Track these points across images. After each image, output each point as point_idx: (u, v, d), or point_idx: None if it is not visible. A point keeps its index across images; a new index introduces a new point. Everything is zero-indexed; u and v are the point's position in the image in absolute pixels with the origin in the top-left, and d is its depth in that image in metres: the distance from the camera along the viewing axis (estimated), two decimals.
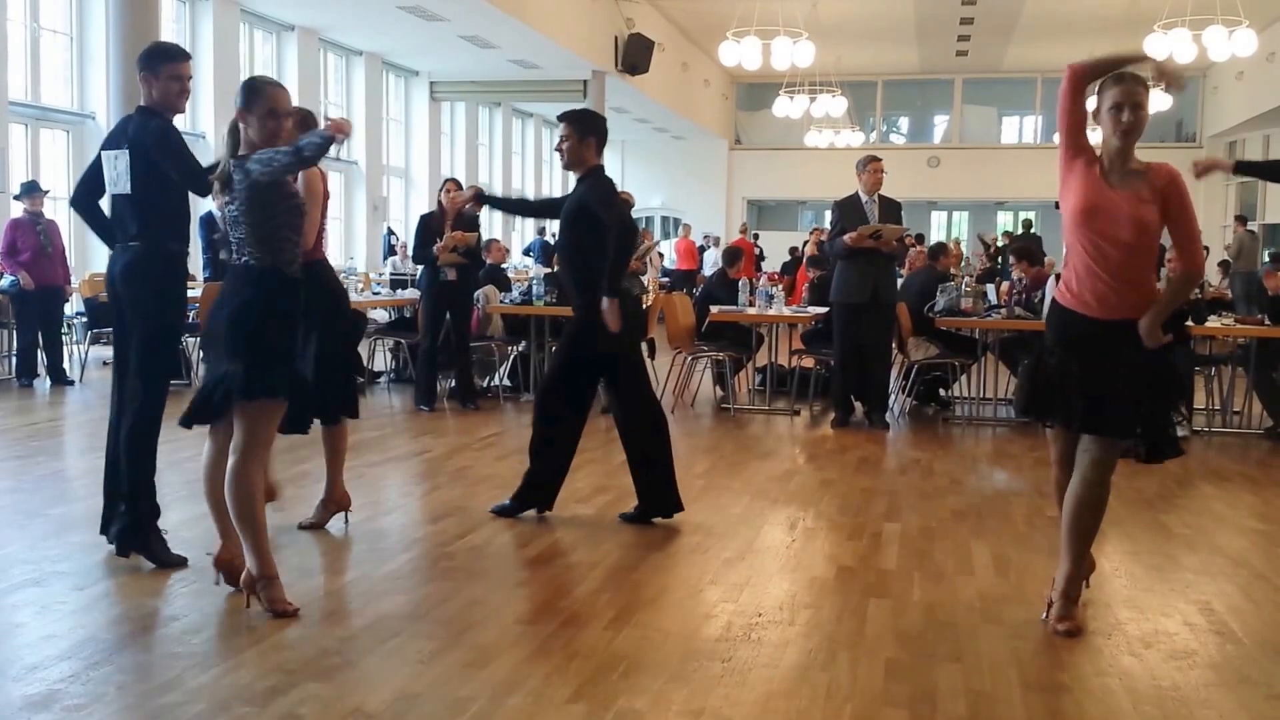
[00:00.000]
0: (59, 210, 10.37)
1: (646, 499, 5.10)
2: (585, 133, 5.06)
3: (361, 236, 16.96)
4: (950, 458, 7.10)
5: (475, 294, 8.74)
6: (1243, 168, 4.13)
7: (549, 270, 9.83)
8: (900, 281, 9.49)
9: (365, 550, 4.61)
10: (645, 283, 9.76)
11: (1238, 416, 8.41)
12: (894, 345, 8.55)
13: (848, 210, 8.04)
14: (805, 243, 18.82)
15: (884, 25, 20.39)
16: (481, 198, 6.67)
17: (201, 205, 4.92)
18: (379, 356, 10.45)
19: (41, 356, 9.42)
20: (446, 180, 8.54)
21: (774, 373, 9.46)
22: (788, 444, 7.57)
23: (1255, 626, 3.91)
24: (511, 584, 4.26)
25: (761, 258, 20.81)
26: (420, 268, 8.76)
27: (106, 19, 9.40)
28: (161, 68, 4.31)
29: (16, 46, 11.36)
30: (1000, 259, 20.63)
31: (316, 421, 4.77)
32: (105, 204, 4.48)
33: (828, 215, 11.33)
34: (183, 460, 5.76)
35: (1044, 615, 3.85)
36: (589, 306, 5.04)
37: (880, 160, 8.16)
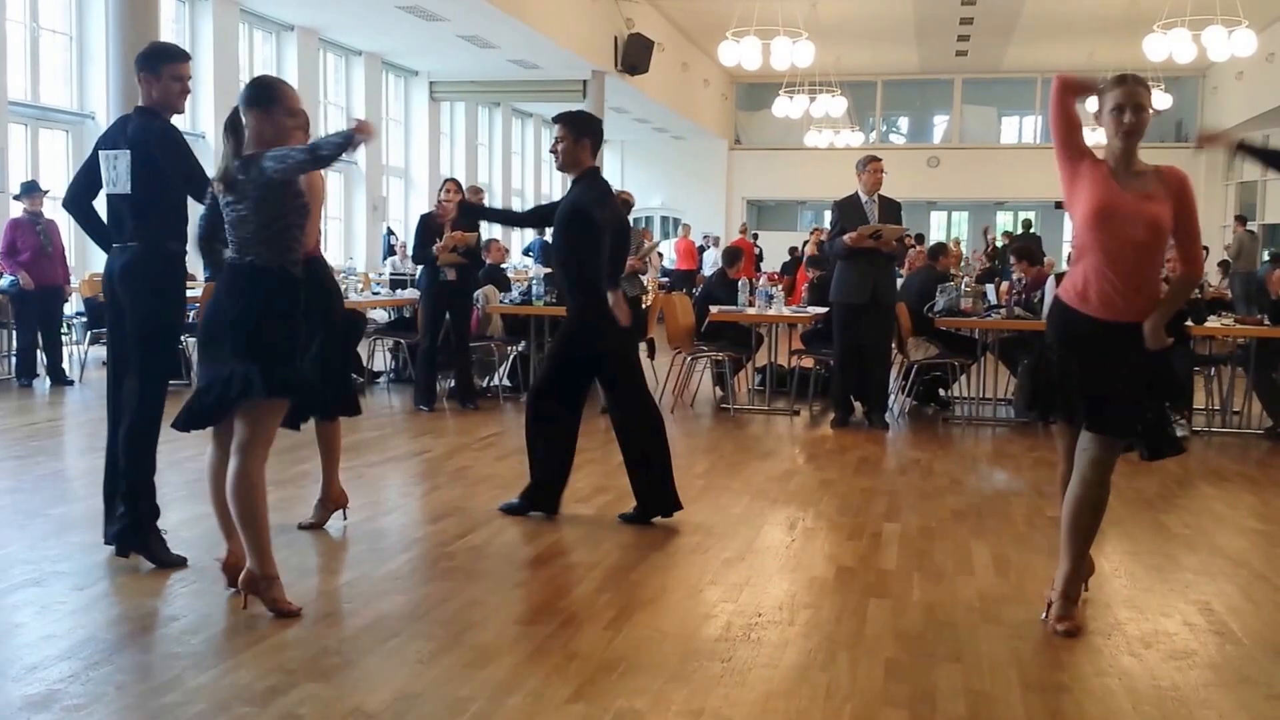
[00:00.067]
0: (59, 210, 10.36)
1: (645, 499, 5.11)
2: (580, 134, 5.07)
3: (361, 236, 16.96)
4: (950, 458, 7.11)
5: (475, 294, 8.74)
6: (1244, 147, 4.10)
7: (549, 270, 9.82)
8: (900, 281, 9.49)
9: (365, 550, 4.61)
10: (645, 283, 9.74)
11: (1237, 416, 8.42)
12: (893, 345, 8.55)
13: (847, 210, 8.04)
14: (805, 243, 18.82)
15: (884, 25, 20.39)
16: (465, 209, 6.67)
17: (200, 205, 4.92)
18: (378, 356, 10.45)
19: (41, 356, 9.43)
20: (446, 180, 8.54)
21: (774, 373, 9.46)
22: (787, 444, 7.58)
23: (1255, 627, 3.91)
24: (511, 584, 4.26)
25: (761, 258, 20.81)
26: (420, 268, 8.76)
27: (106, 19, 9.40)
28: (163, 68, 4.30)
29: (16, 46, 11.36)
30: (999, 259, 20.65)
31: (312, 420, 4.80)
32: (99, 204, 4.48)
33: (827, 215, 11.33)
34: (183, 460, 5.76)
35: (1043, 615, 3.85)
36: (584, 307, 5.05)
37: (880, 160, 8.16)
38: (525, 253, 19.44)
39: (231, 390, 3.65)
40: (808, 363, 9.17)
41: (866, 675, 3.35)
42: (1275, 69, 18.56)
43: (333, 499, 4.93)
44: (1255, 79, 19.75)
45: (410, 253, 9.45)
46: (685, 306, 9.29)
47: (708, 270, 17.09)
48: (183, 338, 7.72)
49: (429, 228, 8.26)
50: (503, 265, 10.07)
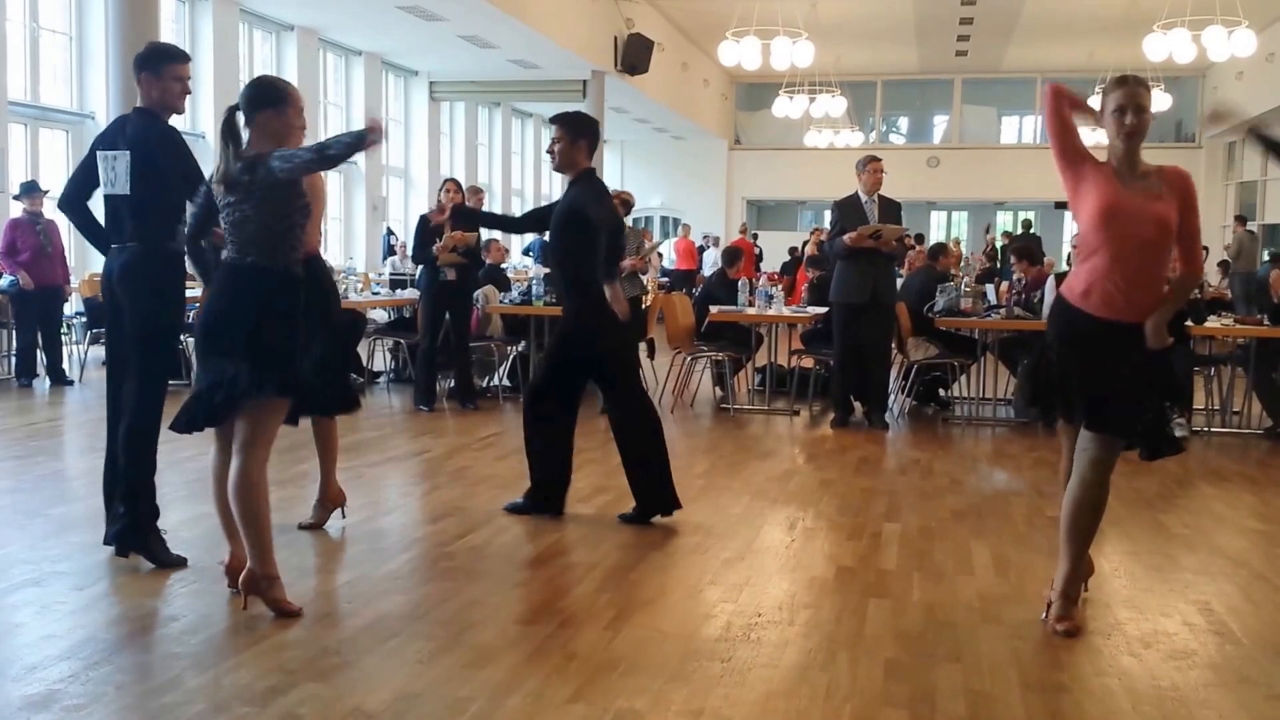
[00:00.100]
0: (58, 210, 10.36)
1: (644, 499, 5.11)
2: (577, 135, 5.07)
3: (361, 236, 16.96)
4: (950, 458, 7.11)
5: (475, 294, 8.74)
6: (1256, 133, 4.08)
7: (548, 270, 9.82)
8: (900, 281, 9.49)
9: (365, 550, 4.61)
10: (645, 283, 9.74)
11: (1237, 416, 8.42)
12: (893, 345, 8.55)
13: (847, 210, 8.04)
14: (805, 243, 18.82)
15: (883, 25, 20.39)
16: (459, 213, 6.67)
17: None
18: (378, 356, 10.45)
19: (41, 356, 9.43)
20: (446, 180, 8.54)
21: (773, 373, 9.46)
22: (787, 444, 7.58)
23: (1254, 627, 3.91)
24: (511, 584, 4.26)
25: (761, 258, 20.81)
26: (420, 268, 8.76)
27: (106, 19, 9.40)
28: (165, 68, 4.31)
29: (16, 46, 11.36)
30: (999, 259, 20.64)
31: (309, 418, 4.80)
32: (94, 205, 4.46)
33: (827, 215, 11.32)
34: (183, 460, 5.76)
35: (1043, 615, 3.85)
36: (581, 308, 5.06)
37: (880, 160, 8.16)
38: (525, 253, 19.45)
39: (233, 392, 3.65)
40: (808, 363, 9.17)
41: (866, 675, 3.35)
42: (1275, 69, 18.57)
43: (331, 498, 4.93)
44: (1255, 79, 19.75)
45: (410, 253, 9.45)
46: (685, 306, 9.29)
47: (707, 270, 17.09)
48: (182, 337, 7.74)
49: (429, 228, 8.26)
50: (502, 265, 10.07)
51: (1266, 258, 17.95)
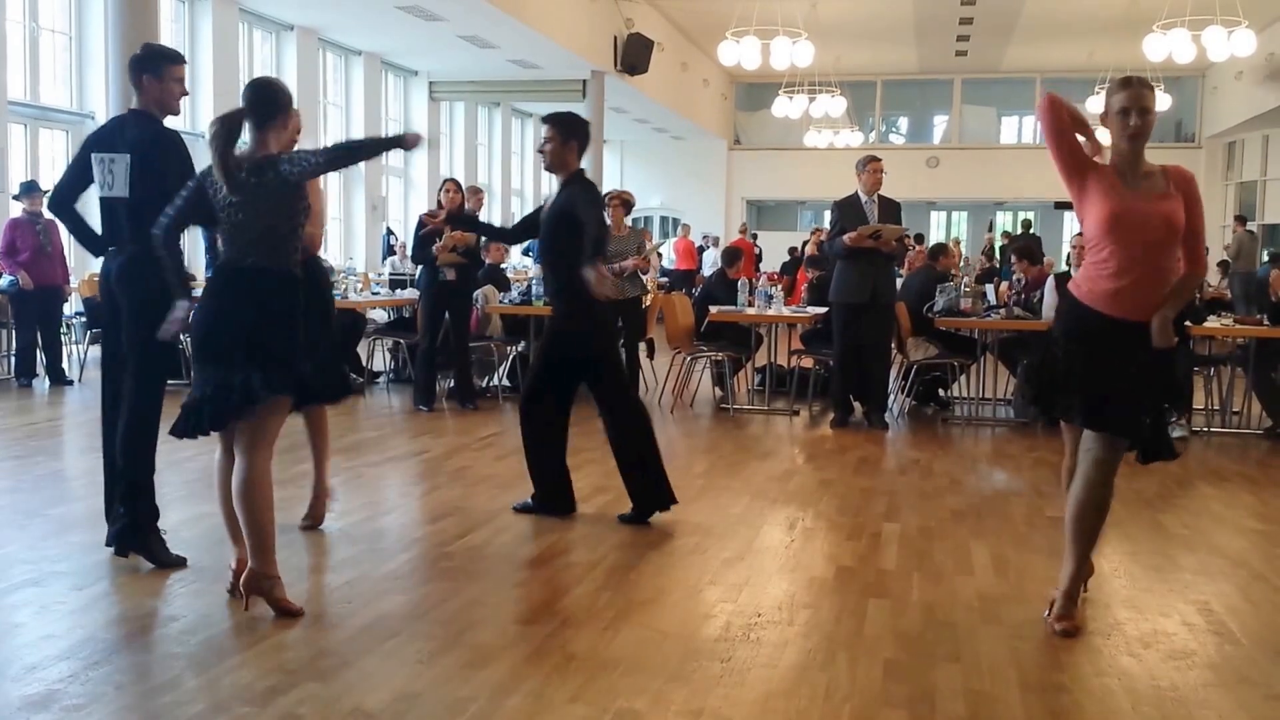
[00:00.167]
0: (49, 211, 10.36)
1: (642, 499, 5.12)
2: (569, 136, 5.08)
3: (360, 236, 16.96)
4: (949, 458, 7.11)
5: (474, 294, 8.74)
6: None
7: None
8: (900, 282, 9.49)
9: (365, 550, 4.61)
10: (645, 283, 9.74)
11: (1237, 417, 8.42)
12: (893, 345, 8.55)
13: (847, 210, 8.04)
14: (805, 243, 18.81)
15: (883, 25, 20.39)
16: (453, 219, 6.69)
17: None
18: (378, 356, 10.45)
19: (40, 356, 9.43)
20: (446, 180, 8.54)
21: (773, 373, 9.46)
22: (787, 444, 7.58)
23: (1254, 627, 3.91)
24: (511, 584, 4.26)
25: (760, 258, 20.81)
26: (419, 268, 8.76)
27: (106, 19, 9.40)
28: (165, 69, 4.31)
29: (16, 46, 11.36)
30: (1000, 259, 20.64)
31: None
32: (81, 207, 4.44)
33: (827, 215, 11.32)
34: (182, 460, 5.76)
35: (1046, 613, 3.86)
36: (570, 310, 5.08)
37: (879, 160, 8.16)
38: (525, 253, 19.45)
39: (236, 397, 3.64)
40: (807, 363, 9.17)
41: (866, 675, 3.35)
42: (1274, 69, 18.56)
43: (324, 492, 4.94)
44: (1255, 79, 19.75)
45: (410, 253, 9.45)
46: (685, 306, 9.29)
47: (707, 270, 17.09)
48: (182, 337, 7.73)
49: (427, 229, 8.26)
50: (502, 265, 10.07)
51: (1266, 258, 17.95)
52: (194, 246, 10.80)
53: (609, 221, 8.55)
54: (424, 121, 18.54)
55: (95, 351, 9.99)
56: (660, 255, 19.31)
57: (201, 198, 3.79)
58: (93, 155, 4.30)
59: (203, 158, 3.88)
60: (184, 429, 3.76)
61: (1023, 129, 27.28)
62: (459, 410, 8.40)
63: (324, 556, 4.56)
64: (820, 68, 18.25)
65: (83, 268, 11.19)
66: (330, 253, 14.58)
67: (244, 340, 3.66)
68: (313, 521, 4.90)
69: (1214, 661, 3.56)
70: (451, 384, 8.82)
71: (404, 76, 18.36)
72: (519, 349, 9.29)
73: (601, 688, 3.19)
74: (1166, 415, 4.02)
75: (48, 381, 9.33)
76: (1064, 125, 3.70)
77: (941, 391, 9.20)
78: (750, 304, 8.86)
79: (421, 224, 8.34)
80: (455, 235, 8.09)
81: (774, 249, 23.06)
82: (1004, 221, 28.49)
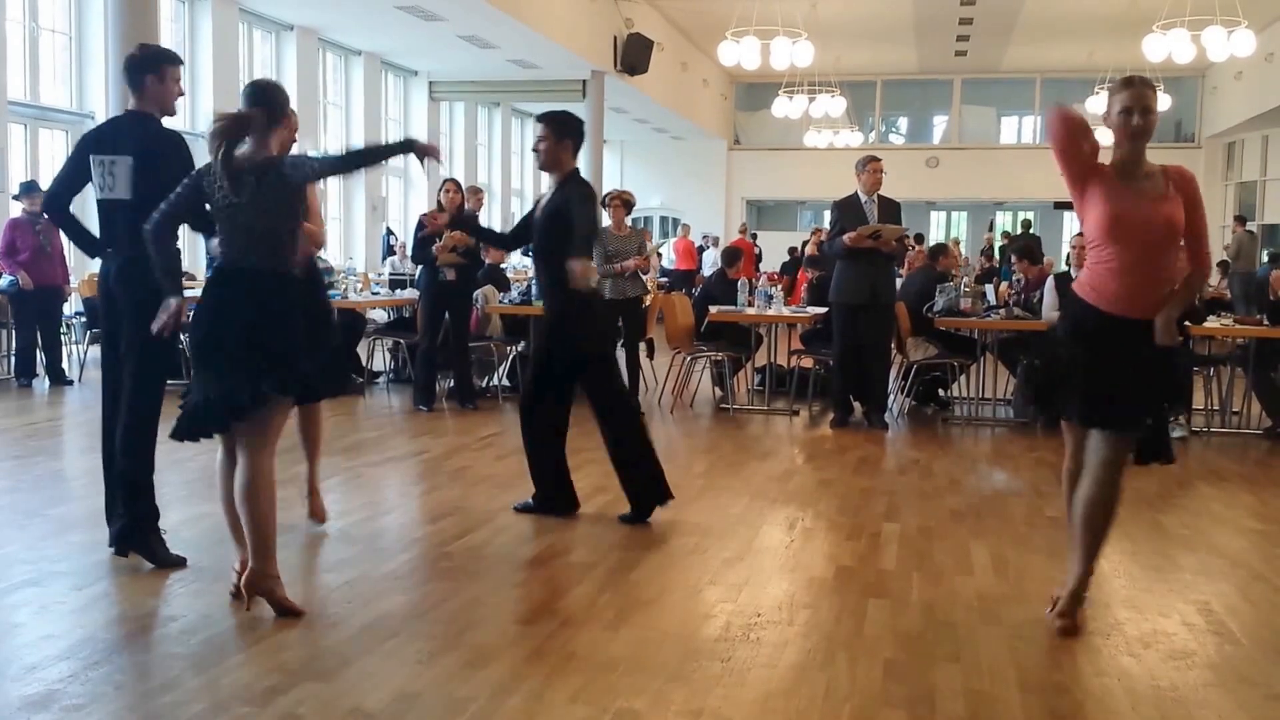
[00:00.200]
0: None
1: (641, 497, 5.13)
2: (563, 135, 5.10)
3: (360, 236, 16.96)
4: (949, 458, 7.11)
5: (474, 294, 8.74)
6: None
7: None
8: (899, 282, 9.49)
9: (364, 550, 4.61)
10: (646, 283, 9.73)
11: (1236, 417, 8.42)
12: (893, 345, 8.55)
13: (847, 210, 8.04)
14: (805, 243, 18.82)
15: (883, 25, 20.39)
16: (453, 221, 6.73)
17: None
18: (378, 356, 10.45)
19: (40, 356, 9.43)
20: (445, 180, 8.54)
21: (773, 373, 9.46)
22: (787, 444, 7.58)
23: (1253, 627, 3.91)
24: (510, 584, 4.27)
25: (760, 258, 20.81)
26: (419, 268, 8.76)
27: (105, 19, 9.40)
28: (166, 70, 4.32)
29: (15, 46, 11.36)
30: (999, 259, 20.64)
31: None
32: (75, 209, 4.43)
33: (827, 215, 11.32)
34: (182, 460, 5.76)
35: (1049, 609, 3.88)
36: (564, 308, 5.09)
37: (879, 160, 8.17)
38: (525, 253, 19.43)
39: (244, 398, 3.64)
40: (807, 363, 9.17)
41: (865, 675, 3.35)
42: (1274, 69, 18.57)
43: (314, 490, 4.95)
44: (1254, 79, 19.75)
45: (409, 253, 9.45)
46: (685, 306, 9.29)
47: (707, 270, 17.10)
48: (182, 336, 7.74)
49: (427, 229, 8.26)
50: (502, 265, 10.08)
51: (1266, 258, 17.96)
52: (195, 248, 10.82)
53: (609, 221, 8.58)
54: (424, 121, 18.55)
55: (95, 351, 10.00)
56: (660, 255, 19.32)
57: (196, 196, 3.77)
58: (92, 157, 4.28)
59: (202, 158, 3.89)
60: (186, 432, 3.76)
61: (1022, 129, 27.28)
62: (459, 410, 8.40)
63: (324, 556, 4.56)
64: (820, 68, 18.24)
65: (82, 268, 11.19)
66: (330, 253, 14.58)
67: (245, 341, 3.66)
68: (318, 518, 4.92)
69: (1214, 661, 3.56)
70: (451, 384, 8.82)
71: (404, 76, 18.36)
72: (519, 349, 9.29)
73: (601, 688, 3.20)
74: (1168, 416, 4.04)
75: (47, 381, 9.33)
76: (1074, 141, 3.71)
77: (941, 391, 9.20)
78: (750, 304, 8.87)
79: (421, 224, 8.35)
80: (455, 235, 8.08)
81: (774, 249, 23.06)
82: (1004, 221, 28.49)
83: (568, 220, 4.97)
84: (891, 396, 8.66)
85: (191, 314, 3.84)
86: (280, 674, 3.23)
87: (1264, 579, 4.52)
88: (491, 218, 19.19)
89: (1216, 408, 8.43)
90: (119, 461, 4.27)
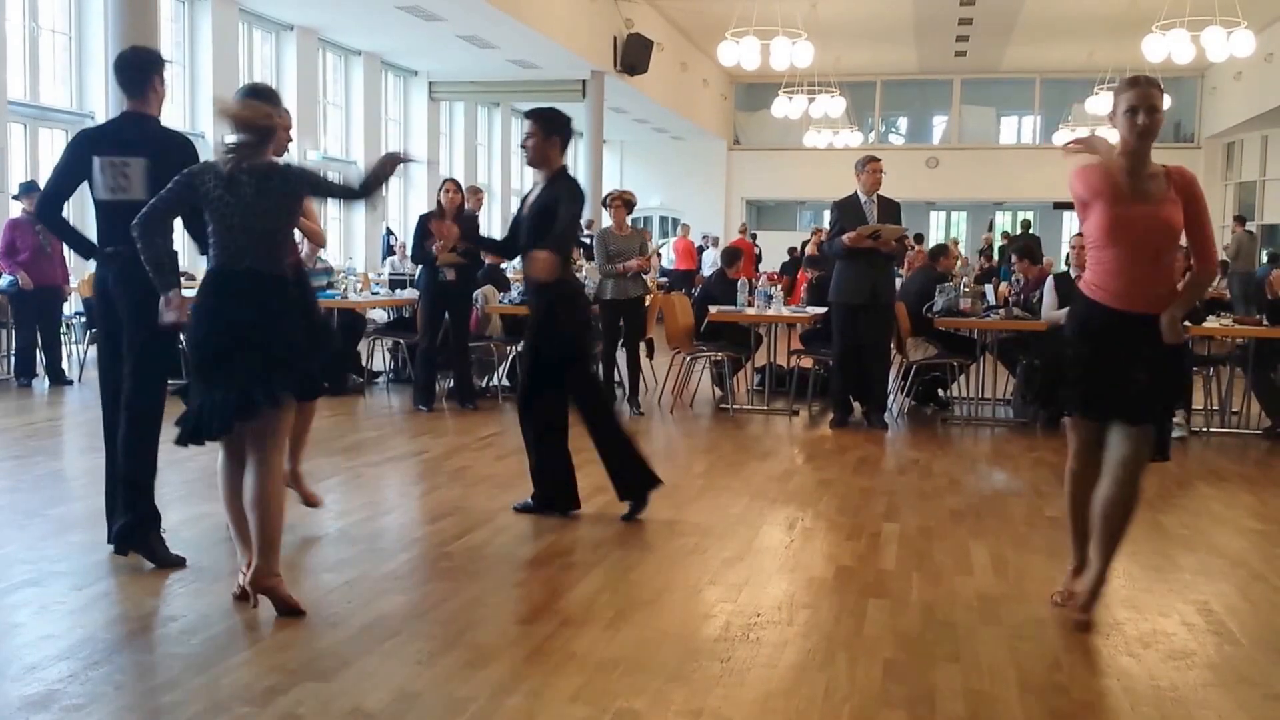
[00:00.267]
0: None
1: (631, 483, 5.17)
2: (550, 131, 5.11)
3: (360, 236, 16.97)
4: (949, 458, 7.11)
5: (474, 294, 8.74)
6: None
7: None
8: (899, 282, 9.49)
9: (364, 550, 4.61)
10: (647, 283, 9.73)
11: (1236, 417, 8.42)
12: (892, 345, 8.56)
13: (847, 210, 8.04)
14: (805, 243, 18.82)
15: (883, 25, 20.40)
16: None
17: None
18: (378, 356, 10.45)
19: (40, 356, 9.43)
20: (445, 180, 8.55)
21: (773, 373, 9.46)
22: (786, 444, 7.58)
23: (1253, 627, 3.91)
24: (510, 584, 4.27)
25: (760, 258, 20.81)
26: (419, 268, 8.76)
27: (105, 19, 9.40)
28: (163, 71, 4.36)
29: (15, 46, 11.36)
30: (999, 258, 20.63)
31: None
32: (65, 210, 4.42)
33: (826, 215, 11.33)
34: (183, 460, 5.75)
35: (1054, 598, 3.99)
36: (551, 304, 5.12)
37: (879, 160, 8.17)
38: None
39: (258, 398, 3.65)
40: (807, 363, 9.17)
41: (865, 675, 3.35)
42: (1273, 69, 18.58)
43: (296, 477, 4.96)
44: (1253, 79, 19.76)
45: (409, 253, 9.45)
46: (684, 306, 9.29)
47: (707, 270, 17.09)
48: (182, 336, 7.75)
49: (428, 228, 8.25)
50: (502, 265, 10.07)
51: (1265, 258, 17.97)
52: (194, 249, 10.81)
53: (611, 221, 8.58)
54: (424, 121, 18.55)
55: (94, 352, 9.99)
56: (660, 255, 19.32)
57: (189, 194, 3.74)
58: (98, 159, 4.25)
59: (203, 159, 3.89)
60: (189, 437, 3.75)
61: (1022, 129, 27.30)
62: (459, 410, 8.40)
63: (324, 556, 4.56)
64: (820, 68, 18.25)
65: (82, 268, 11.16)
66: (330, 253, 14.59)
67: (245, 343, 3.67)
68: (314, 503, 4.93)
69: (1213, 661, 3.56)
70: (451, 384, 8.82)
71: (404, 76, 18.37)
72: (518, 349, 9.28)
73: (601, 687, 3.20)
74: (1170, 415, 4.07)
75: (47, 381, 9.33)
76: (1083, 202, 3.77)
77: (941, 391, 9.20)
78: (750, 304, 8.87)
79: (421, 224, 8.35)
80: (455, 235, 8.06)
81: (774, 249, 23.06)
82: (1003, 222, 28.50)
83: (555, 218, 4.99)
84: (891, 396, 8.67)
85: (190, 317, 3.82)
86: (280, 674, 3.23)
87: (1264, 579, 4.52)
88: (491, 218, 19.19)
89: (1216, 408, 8.43)
90: (121, 462, 4.27)
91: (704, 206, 25.83)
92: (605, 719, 3.00)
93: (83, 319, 10.50)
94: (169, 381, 4.42)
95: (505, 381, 9.52)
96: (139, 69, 4.33)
